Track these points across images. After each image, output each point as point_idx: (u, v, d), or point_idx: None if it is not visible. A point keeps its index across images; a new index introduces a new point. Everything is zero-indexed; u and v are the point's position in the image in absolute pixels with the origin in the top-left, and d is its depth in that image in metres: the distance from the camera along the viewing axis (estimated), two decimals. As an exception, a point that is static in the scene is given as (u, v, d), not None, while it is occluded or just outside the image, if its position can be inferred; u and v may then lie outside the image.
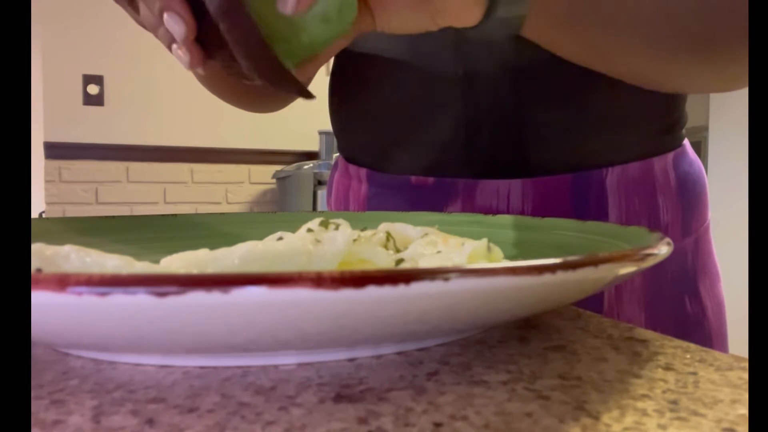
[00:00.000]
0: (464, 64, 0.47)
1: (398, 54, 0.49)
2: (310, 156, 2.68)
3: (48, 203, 2.38)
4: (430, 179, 0.50)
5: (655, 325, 0.48)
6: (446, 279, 0.16)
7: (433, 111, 0.48)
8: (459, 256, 0.26)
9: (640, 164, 0.48)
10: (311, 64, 0.35)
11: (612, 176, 0.48)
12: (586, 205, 0.48)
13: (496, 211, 0.48)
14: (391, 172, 0.52)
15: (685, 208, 0.50)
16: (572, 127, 0.46)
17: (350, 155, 0.57)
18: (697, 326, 0.50)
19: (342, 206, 0.58)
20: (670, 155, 0.50)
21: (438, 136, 0.49)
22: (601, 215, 0.48)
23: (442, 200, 0.50)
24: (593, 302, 0.47)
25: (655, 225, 0.49)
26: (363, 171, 0.55)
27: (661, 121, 0.49)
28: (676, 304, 0.49)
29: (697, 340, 0.50)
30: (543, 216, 0.46)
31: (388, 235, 0.31)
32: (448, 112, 0.48)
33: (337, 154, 0.62)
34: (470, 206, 0.49)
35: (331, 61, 0.64)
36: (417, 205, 0.51)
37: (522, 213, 0.47)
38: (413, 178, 0.51)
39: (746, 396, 0.18)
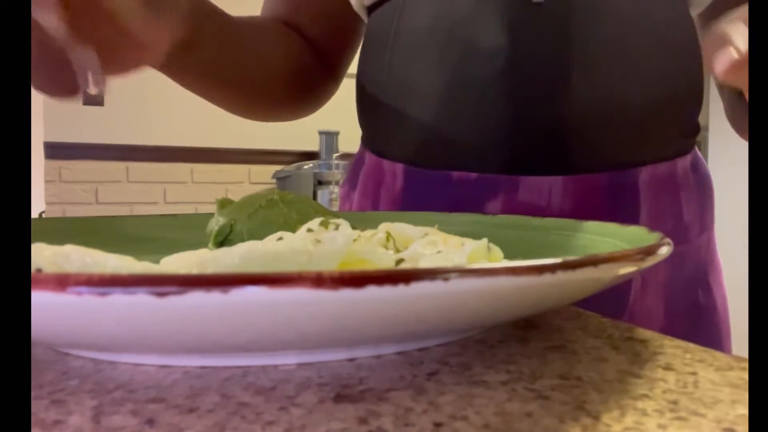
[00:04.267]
0: (509, 52, 0.46)
1: (438, 40, 0.48)
2: (310, 156, 2.68)
3: (48, 203, 2.38)
4: (473, 175, 0.49)
5: (672, 317, 0.50)
6: (446, 279, 0.16)
7: (474, 103, 0.48)
8: (459, 256, 0.26)
9: (667, 165, 0.50)
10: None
11: (644, 176, 0.49)
12: (620, 204, 0.48)
13: (537, 209, 0.48)
14: (431, 167, 0.51)
15: (701, 206, 0.52)
16: (611, 124, 0.47)
17: (383, 150, 0.55)
18: (708, 317, 0.52)
19: (370, 202, 0.56)
20: (689, 156, 0.52)
21: (480, 129, 0.48)
22: (634, 214, 0.48)
23: (482, 197, 0.49)
24: (620, 294, 0.48)
25: (679, 223, 0.50)
26: (399, 166, 0.53)
27: (686, 123, 0.51)
28: (690, 297, 0.51)
29: (709, 331, 0.52)
30: (580, 214, 0.47)
31: (388, 235, 0.31)
32: (490, 103, 0.47)
33: (359, 149, 0.60)
34: (511, 203, 0.48)
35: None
36: (455, 201, 0.50)
37: (561, 210, 0.47)
38: (455, 173, 0.50)
39: (746, 396, 0.18)
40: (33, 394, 0.18)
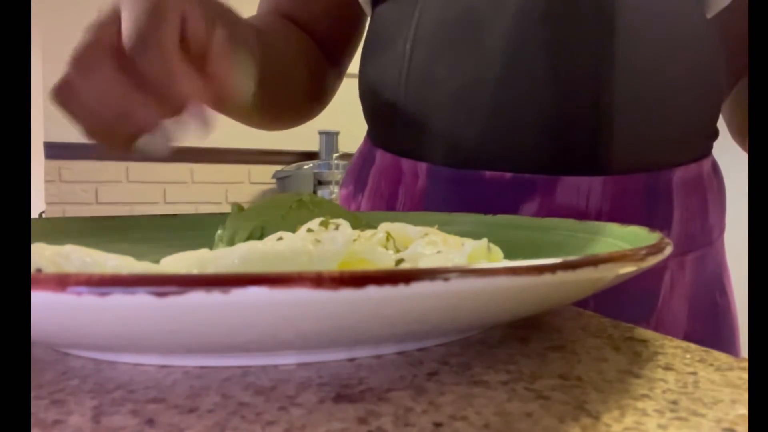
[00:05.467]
0: (551, 46, 0.45)
1: (472, 32, 0.46)
2: (310, 156, 2.68)
3: (48, 203, 2.38)
4: (508, 175, 0.46)
5: (695, 318, 0.50)
6: (446, 279, 0.16)
7: (513, 98, 0.46)
8: (459, 256, 0.26)
9: (695, 166, 0.50)
10: None
11: (677, 177, 0.49)
12: (656, 205, 0.48)
13: (576, 212, 0.46)
14: (460, 166, 0.48)
15: (721, 208, 0.53)
16: (650, 122, 0.47)
17: (402, 148, 0.52)
18: (725, 317, 0.53)
19: (384, 202, 0.53)
20: (710, 159, 0.53)
21: (518, 125, 0.46)
22: (668, 216, 0.48)
23: (517, 198, 0.47)
24: (649, 297, 0.49)
25: (705, 224, 0.51)
26: (422, 165, 0.50)
27: (710, 125, 0.52)
28: (709, 298, 0.52)
29: (726, 330, 0.53)
30: (619, 217, 0.46)
31: (388, 235, 0.31)
32: (530, 98, 0.45)
33: (366, 148, 0.57)
34: (549, 204, 0.46)
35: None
36: (486, 202, 0.47)
37: (600, 213, 0.46)
38: (487, 173, 0.47)
39: (746, 396, 0.18)
40: (33, 394, 0.18)
